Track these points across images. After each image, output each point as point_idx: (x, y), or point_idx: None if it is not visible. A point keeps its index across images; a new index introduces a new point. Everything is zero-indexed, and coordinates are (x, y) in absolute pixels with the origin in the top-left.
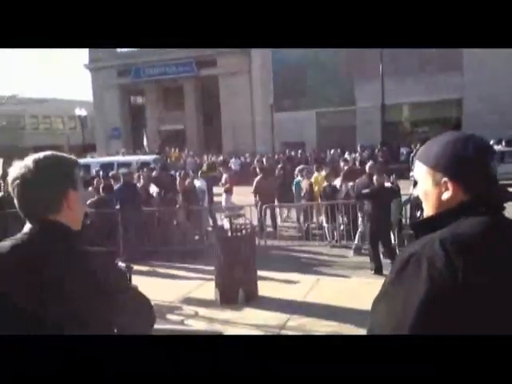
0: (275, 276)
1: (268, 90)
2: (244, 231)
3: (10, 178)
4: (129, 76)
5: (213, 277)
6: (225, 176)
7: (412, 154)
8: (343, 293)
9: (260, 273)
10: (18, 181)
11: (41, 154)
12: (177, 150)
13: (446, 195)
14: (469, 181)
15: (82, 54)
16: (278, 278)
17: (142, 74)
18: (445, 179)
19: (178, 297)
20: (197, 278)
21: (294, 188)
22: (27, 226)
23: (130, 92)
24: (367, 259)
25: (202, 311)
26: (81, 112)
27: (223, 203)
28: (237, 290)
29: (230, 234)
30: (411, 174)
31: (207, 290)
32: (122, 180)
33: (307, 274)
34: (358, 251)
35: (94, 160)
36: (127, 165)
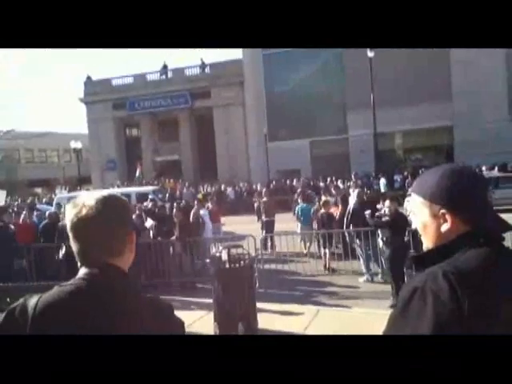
0: (275, 307)
1: (262, 120)
2: (242, 262)
3: (70, 219)
4: (124, 109)
5: (211, 310)
6: (210, 206)
7: (407, 181)
8: (343, 324)
9: (260, 304)
10: (82, 222)
11: (102, 194)
12: (171, 181)
13: (444, 227)
14: (467, 211)
15: (77, 88)
16: (278, 309)
17: (137, 107)
18: (443, 211)
19: None
20: (195, 311)
21: (297, 214)
22: (84, 271)
23: (125, 124)
24: (370, 288)
25: None
26: (76, 145)
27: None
28: (236, 323)
29: (227, 265)
30: (406, 200)
31: (206, 323)
32: None
33: (308, 304)
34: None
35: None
36: (126, 196)
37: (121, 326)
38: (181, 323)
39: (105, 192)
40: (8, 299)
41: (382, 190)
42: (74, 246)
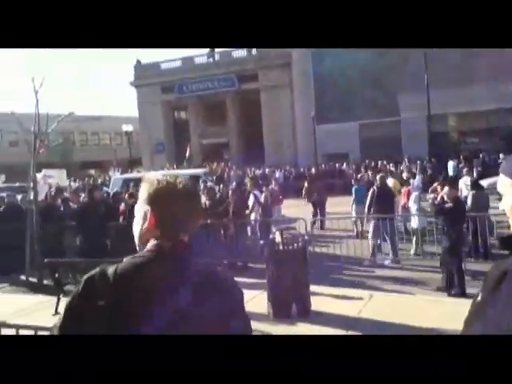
0: (329, 290)
1: (310, 103)
2: (295, 244)
3: (155, 195)
4: (172, 92)
5: (264, 290)
6: (271, 188)
7: (461, 166)
8: (398, 309)
9: (313, 287)
10: (170, 198)
11: (180, 175)
12: (220, 164)
13: None
14: None
15: (127, 72)
16: (332, 292)
17: (185, 90)
18: None
19: None
20: (248, 290)
21: (354, 195)
22: (156, 243)
23: (173, 107)
24: (420, 274)
25: (254, 324)
26: (127, 128)
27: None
28: (289, 304)
29: (281, 247)
30: (459, 186)
31: (259, 303)
32: None
33: (361, 288)
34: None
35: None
36: None
37: (188, 296)
38: (241, 294)
39: (179, 174)
40: (70, 274)
41: (451, 173)
42: (164, 218)
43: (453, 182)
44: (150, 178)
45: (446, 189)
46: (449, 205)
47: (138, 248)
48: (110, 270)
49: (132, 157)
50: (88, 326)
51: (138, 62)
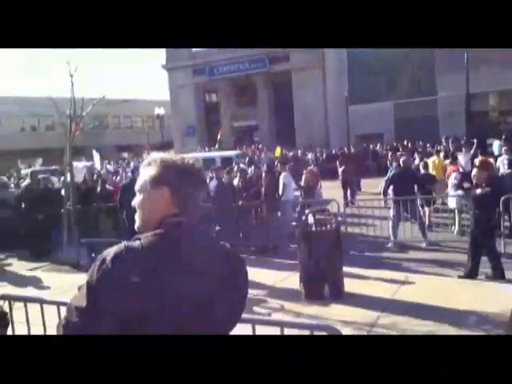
0: (362, 272)
1: (342, 82)
2: (328, 225)
3: (169, 175)
4: (203, 74)
5: (297, 271)
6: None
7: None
8: (433, 292)
9: (346, 269)
10: (184, 178)
11: (186, 157)
12: (253, 146)
13: None
14: None
15: (159, 55)
16: (365, 274)
17: (216, 72)
18: None
19: (263, 290)
20: (281, 271)
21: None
22: (171, 220)
23: (204, 90)
24: (459, 256)
25: (287, 305)
26: (159, 111)
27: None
28: (322, 285)
29: (314, 228)
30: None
31: (292, 284)
32: (215, 176)
33: (395, 271)
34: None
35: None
36: (211, 160)
37: (208, 266)
38: (247, 273)
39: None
40: (93, 254)
41: (496, 152)
42: (180, 195)
43: (483, 164)
44: (160, 158)
45: (475, 171)
46: (485, 189)
47: (138, 231)
48: (135, 244)
49: (164, 140)
50: (116, 304)
51: None
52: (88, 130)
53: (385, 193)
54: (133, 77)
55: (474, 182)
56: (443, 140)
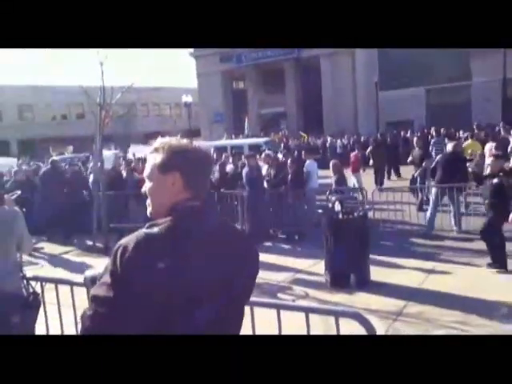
0: (389, 261)
1: (372, 68)
2: (355, 213)
3: (181, 158)
4: (231, 62)
5: (322, 258)
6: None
7: None
8: (462, 282)
9: (372, 257)
10: (199, 164)
11: (194, 142)
12: (280, 133)
13: None
14: None
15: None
16: (392, 263)
17: (244, 59)
18: None
19: (288, 277)
20: (306, 258)
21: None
22: (187, 205)
23: (232, 77)
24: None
25: (312, 293)
26: (187, 98)
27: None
28: (348, 273)
29: (340, 216)
30: None
31: (317, 271)
32: (246, 163)
33: (422, 260)
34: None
35: (207, 143)
36: (239, 147)
37: (224, 251)
38: (257, 254)
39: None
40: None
41: None
42: (192, 180)
43: (498, 155)
44: (168, 143)
45: (491, 160)
46: (494, 179)
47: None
48: (155, 231)
49: (191, 127)
50: (144, 292)
51: None
52: (117, 117)
53: (433, 176)
54: (161, 64)
55: (488, 171)
56: (475, 127)
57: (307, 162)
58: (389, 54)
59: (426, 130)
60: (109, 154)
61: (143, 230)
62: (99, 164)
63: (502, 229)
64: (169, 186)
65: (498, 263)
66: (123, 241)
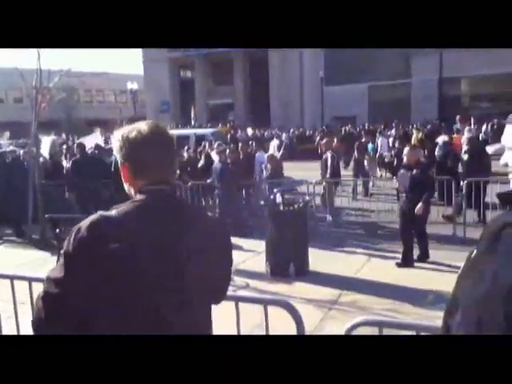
0: (326, 251)
1: (319, 63)
2: (296, 205)
3: (144, 142)
4: (179, 50)
5: (263, 250)
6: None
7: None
8: (396, 271)
9: (312, 247)
10: (162, 146)
11: (151, 123)
12: (228, 125)
13: None
14: None
15: None
16: (331, 252)
17: (192, 48)
18: None
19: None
20: (247, 250)
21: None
22: (154, 187)
23: (180, 66)
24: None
25: (252, 283)
26: (132, 86)
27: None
28: (287, 263)
29: (281, 207)
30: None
31: (258, 262)
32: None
33: (361, 248)
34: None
35: None
36: (185, 138)
37: (188, 233)
38: (228, 234)
39: (150, 122)
40: (57, 230)
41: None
42: (137, 167)
43: (419, 144)
44: (118, 134)
45: (406, 150)
46: (412, 171)
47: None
48: (112, 213)
49: (137, 115)
50: (95, 272)
51: None
52: (57, 103)
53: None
54: (106, 50)
55: (405, 162)
56: (416, 124)
57: (257, 153)
58: (334, 50)
59: (369, 126)
60: (47, 140)
61: (100, 212)
62: (34, 151)
63: (424, 222)
64: (125, 175)
65: (424, 255)
66: (82, 222)
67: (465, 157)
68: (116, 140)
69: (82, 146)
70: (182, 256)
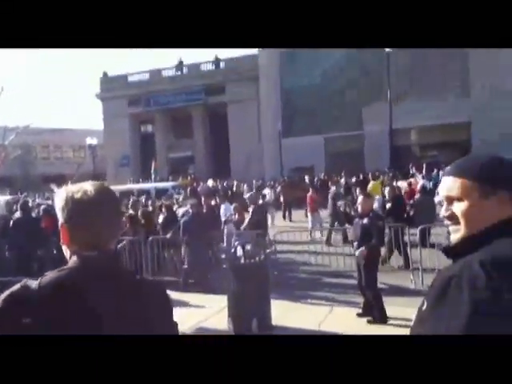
0: (289, 303)
1: (276, 116)
2: (257, 258)
3: (80, 204)
4: (139, 105)
5: (226, 306)
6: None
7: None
8: (358, 321)
9: (274, 301)
10: (95, 206)
11: (97, 184)
12: (189, 178)
13: (494, 210)
14: None
15: (93, 84)
16: (292, 305)
17: (153, 103)
18: (496, 193)
19: (190, 326)
20: (209, 306)
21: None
22: (86, 254)
23: (140, 121)
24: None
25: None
26: (91, 141)
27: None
28: (250, 319)
29: (242, 260)
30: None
31: (220, 319)
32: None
33: (322, 300)
34: None
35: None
36: (146, 192)
37: (121, 305)
38: (170, 302)
39: (95, 182)
40: None
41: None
42: (76, 230)
43: (367, 193)
44: (61, 190)
45: (361, 198)
46: (356, 220)
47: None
48: (33, 284)
49: (96, 171)
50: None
51: (105, 74)
52: (12, 160)
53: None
54: (65, 106)
55: (359, 210)
56: (369, 174)
57: (222, 205)
58: (291, 103)
59: (326, 176)
60: (2, 199)
61: (25, 280)
62: None
63: (374, 275)
64: (64, 237)
65: (378, 315)
66: (5, 292)
67: (388, 204)
68: (59, 199)
69: (24, 205)
70: (105, 330)
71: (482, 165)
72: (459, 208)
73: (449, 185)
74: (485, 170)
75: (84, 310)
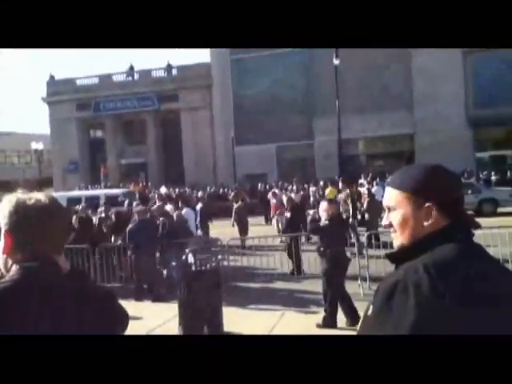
0: (241, 310)
1: (229, 123)
2: (208, 265)
3: (23, 213)
4: (88, 110)
5: (177, 313)
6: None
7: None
8: (310, 327)
9: (225, 307)
10: (37, 215)
11: (46, 194)
12: (140, 184)
13: (428, 220)
14: (450, 206)
15: (39, 87)
16: (244, 311)
17: (102, 108)
18: (428, 204)
19: (141, 335)
20: (161, 314)
21: None
22: (18, 267)
23: (89, 125)
24: None
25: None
26: (37, 146)
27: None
28: (201, 326)
29: (193, 268)
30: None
31: (172, 327)
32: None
33: (274, 305)
34: None
35: (60, 194)
36: (95, 198)
37: (64, 316)
38: (124, 311)
39: (47, 194)
40: None
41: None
42: (21, 239)
43: (331, 199)
44: (5, 199)
45: (325, 204)
46: (324, 223)
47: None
48: None
49: (42, 176)
50: None
51: (52, 77)
52: None
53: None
54: (9, 109)
55: (322, 216)
56: (321, 182)
57: (184, 210)
58: (244, 111)
59: (279, 183)
60: None
61: None
62: None
63: (338, 280)
64: (7, 246)
65: (329, 320)
66: None
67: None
68: (5, 206)
69: None
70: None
71: (415, 178)
72: (395, 217)
73: (388, 195)
74: (418, 183)
75: (25, 322)
